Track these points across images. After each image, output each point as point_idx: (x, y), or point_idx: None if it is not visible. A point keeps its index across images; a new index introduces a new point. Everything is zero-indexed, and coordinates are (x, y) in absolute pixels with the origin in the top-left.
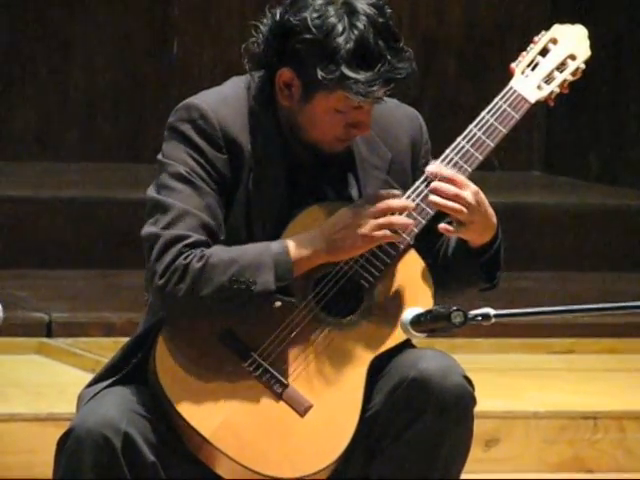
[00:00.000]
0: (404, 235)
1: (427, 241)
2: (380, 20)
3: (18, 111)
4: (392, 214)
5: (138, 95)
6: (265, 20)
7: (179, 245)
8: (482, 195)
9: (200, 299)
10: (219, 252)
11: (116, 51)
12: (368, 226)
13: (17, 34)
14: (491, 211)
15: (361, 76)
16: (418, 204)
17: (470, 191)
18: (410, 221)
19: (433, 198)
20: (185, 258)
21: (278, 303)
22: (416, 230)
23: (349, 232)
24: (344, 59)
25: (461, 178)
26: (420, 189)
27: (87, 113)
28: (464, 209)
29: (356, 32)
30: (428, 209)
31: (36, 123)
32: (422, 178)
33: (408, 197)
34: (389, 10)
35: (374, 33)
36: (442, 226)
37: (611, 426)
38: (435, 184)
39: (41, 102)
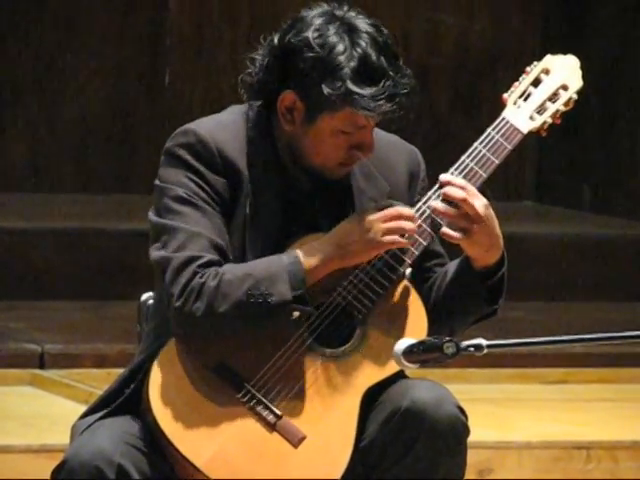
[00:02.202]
0: (411, 248)
1: (417, 278)
2: (380, 38)
3: (10, 143)
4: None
5: (130, 126)
6: (261, 49)
7: (193, 266)
8: (491, 211)
9: (218, 317)
10: (232, 269)
11: (108, 82)
12: (377, 231)
13: (9, 67)
14: (498, 231)
15: (366, 91)
16: (419, 224)
17: (479, 202)
18: (415, 226)
19: (439, 205)
20: (200, 277)
21: (296, 313)
22: (417, 252)
23: (358, 237)
24: (348, 76)
25: (472, 188)
26: (422, 210)
27: (79, 144)
28: (467, 215)
29: (359, 50)
30: (429, 229)
31: (28, 154)
32: (423, 200)
33: None
34: (386, 30)
35: (376, 50)
36: (444, 231)
37: (604, 456)
38: (446, 189)
39: (33, 133)
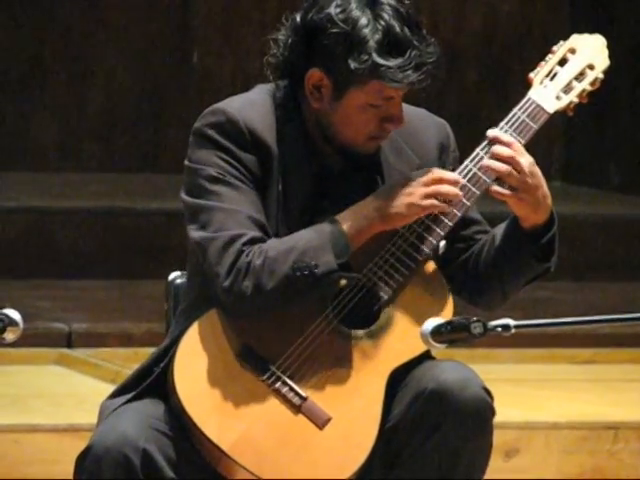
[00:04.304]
0: (453, 210)
1: (459, 247)
2: (402, 9)
3: (39, 122)
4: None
5: (158, 106)
6: (284, 30)
7: (237, 244)
8: (537, 169)
9: (267, 294)
10: (274, 244)
11: (136, 62)
12: (417, 194)
13: (38, 46)
14: (546, 190)
15: (393, 63)
16: (465, 185)
17: (526, 159)
18: (458, 191)
19: (487, 163)
20: (246, 256)
21: (343, 281)
22: (459, 214)
23: (398, 201)
24: (374, 49)
25: (518, 145)
26: (468, 168)
27: (107, 124)
28: (515, 172)
29: (382, 22)
30: (474, 189)
31: (56, 134)
32: (469, 159)
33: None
34: (407, 0)
35: (399, 21)
36: (493, 188)
37: (631, 436)
38: (493, 148)
39: (61, 113)
